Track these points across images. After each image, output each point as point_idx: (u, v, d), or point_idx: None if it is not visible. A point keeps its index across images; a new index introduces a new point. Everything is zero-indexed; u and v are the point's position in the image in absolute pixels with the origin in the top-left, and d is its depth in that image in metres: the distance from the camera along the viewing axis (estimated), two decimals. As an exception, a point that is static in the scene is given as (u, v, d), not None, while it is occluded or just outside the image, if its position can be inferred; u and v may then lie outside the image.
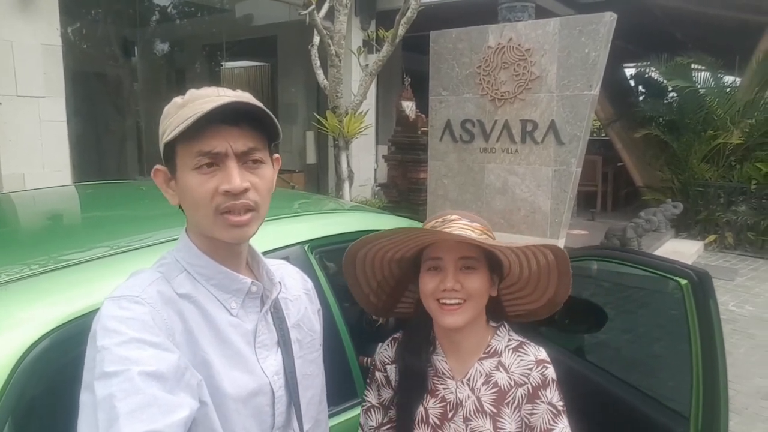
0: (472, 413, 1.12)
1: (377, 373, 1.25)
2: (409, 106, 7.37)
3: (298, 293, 1.09)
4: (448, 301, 1.10)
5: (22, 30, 4.49)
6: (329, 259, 1.57)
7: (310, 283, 1.15)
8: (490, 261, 1.15)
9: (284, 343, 0.99)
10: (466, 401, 1.13)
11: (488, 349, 1.16)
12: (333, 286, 1.53)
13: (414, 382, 1.17)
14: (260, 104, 0.87)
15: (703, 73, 8.88)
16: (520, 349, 1.15)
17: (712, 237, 8.23)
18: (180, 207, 0.93)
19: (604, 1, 7.69)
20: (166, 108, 0.91)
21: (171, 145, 0.87)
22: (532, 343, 1.17)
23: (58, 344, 0.98)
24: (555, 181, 4.89)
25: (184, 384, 0.80)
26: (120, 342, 0.77)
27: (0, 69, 4.42)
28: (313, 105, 8.69)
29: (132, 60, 9.44)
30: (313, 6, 4.40)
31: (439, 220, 1.17)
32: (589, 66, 4.56)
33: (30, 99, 4.61)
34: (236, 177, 0.85)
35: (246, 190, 0.87)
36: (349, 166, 5.11)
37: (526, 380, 1.12)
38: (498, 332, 1.18)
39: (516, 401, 1.11)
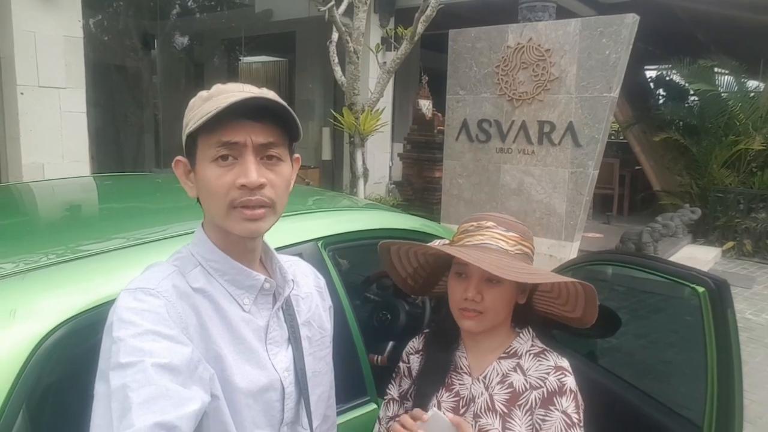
0: (482, 410, 1.13)
1: (401, 365, 1.30)
2: (425, 105, 7.35)
3: (310, 290, 1.09)
4: (468, 308, 1.13)
5: (44, 21, 4.55)
6: (342, 256, 1.57)
7: (322, 281, 1.15)
8: None
9: (295, 339, 1.00)
10: (478, 398, 1.15)
11: (509, 349, 1.17)
12: (346, 283, 1.53)
13: (434, 374, 1.21)
14: (284, 102, 0.88)
15: (726, 77, 8.73)
16: (542, 355, 1.15)
17: (730, 244, 8.10)
18: (197, 200, 0.94)
19: (627, 2, 7.60)
20: (192, 101, 0.91)
21: (193, 137, 0.88)
22: (555, 352, 1.16)
23: (72, 334, 0.99)
24: (571, 183, 4.85)
25: (197, 377, 0.81)
26: (135, 333, 0.79)
27: (22, 60, 4.48)
28: (330, 101, 8.70)
29: (152, 53, 9.53)
30: (333, 2, 4.40)
31: (474, 224, 1.17)
32: (609, 68, 4.52)
33: (51, 90, 4.67)
34: (253, 171, 0.86)
35: (262, 186, 0.87)
36: (364, 163, 5.11)
37: (542, 384, 1.11)
38: (521, 335, 1.19)
39: (529, 404, 1.11)
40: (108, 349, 0.80)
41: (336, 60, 5.04)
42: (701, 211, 7.98)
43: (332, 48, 5.07)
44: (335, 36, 5.03)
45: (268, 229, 0.92)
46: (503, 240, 1.13)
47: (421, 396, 1.20)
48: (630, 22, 4.42)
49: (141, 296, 0.84)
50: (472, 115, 5.35)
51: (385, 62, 5.16)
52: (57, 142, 4.76)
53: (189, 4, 9.36)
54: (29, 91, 4.55)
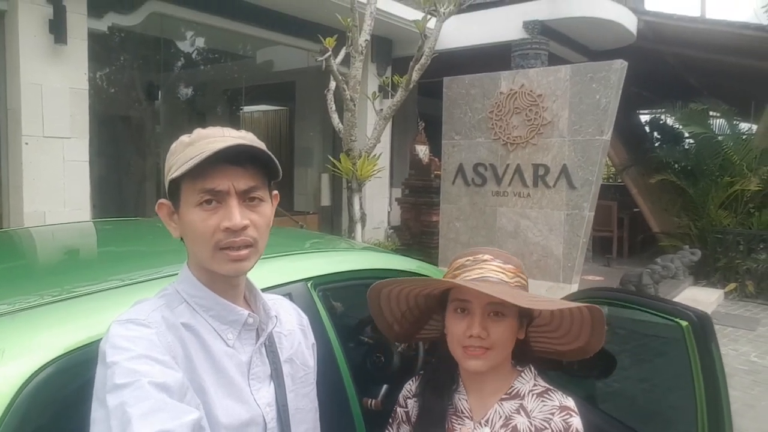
0: None
1: (398, 410, 1.26)
2: (422, 150, 7.48)
3: (293, 328, 1.11)
4: (473, 345, 1.08)
5: (52, 74, 4.70)
6: (333, 296, 1.58)
7: (305, 319, 1.17)
8: (521, 307, 1.10)
9: (277, 376, 1.01)
10: None
11: (510, 390, 1.13)
12: (335, 323, 1.54)
13: (432, 418, 1.15)
14: (263, 146, 0.92)
15: (718, 120, 8.90)
16: (546, 395, 1.11)
17: (732, 285, 8.06)
18: (181, 239, 0.97)
19: (617, 49, 7.84)
20: (173, 145, 0.95)
21: (176, 182, 0.92)
22: (559, 391, 1.12)
23: (59, 373, 0.99)
24: (567, 225, 4.88)
25: (186, 402, 0.83)
26: (129, 357, 0.81)
27: (28, 111, 4.61)
28: (328, 148, 8.86)
29: (155, 103, 9.77)
30: (330, 53, 4.55)
31: (470, 258, 1.14)
32: (600, 112, 4.63)
33: (55, 139, 4.78)
34: (237, 215, 0.89)
35: (245, 227, 0.90)
36: (361, 208, 5.16)
37: (547, 425, 1.06)
38: (523, 375, 1.14)
39: None
40: (103, 376, 0.82)
41: (333, 107, 5.17)
42: (701, 252, 7.98)
43: (330, 96, 5.21)
44: (332, 85, 5.18)
45: (252, 267, 0.95)
46: (503, 273, 1.10)
47: None
48: (618, 67, 4.56)
49: (132, 326, 0.86)
50: (468, 159, 5.44)
51: (381, 109, 5.29)
52: (59, 190, 4.84)
53: (193, 56, 9.65)
54: (34, 141, 4.65)
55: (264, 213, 0.94)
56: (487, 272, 1.10)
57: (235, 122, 10.71)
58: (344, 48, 4.99)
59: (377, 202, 7.70)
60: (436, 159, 7.43)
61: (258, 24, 6.68)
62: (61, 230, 2.14)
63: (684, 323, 1.25)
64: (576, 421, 1.06)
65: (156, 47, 8.27)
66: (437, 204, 6.45)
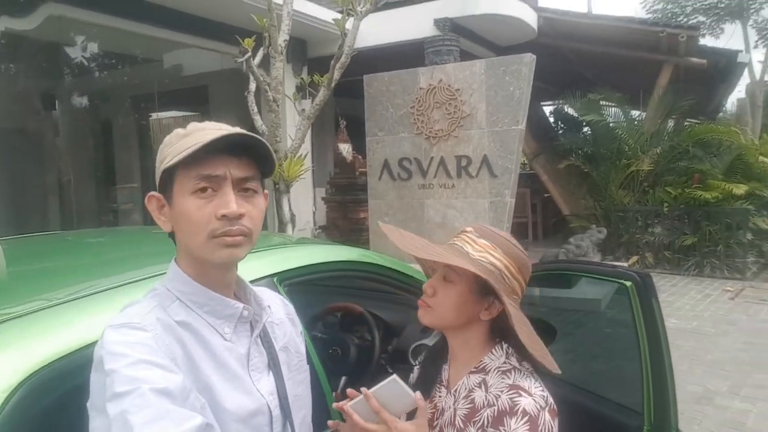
0: (446, 424, 1.14)
1: (411, 375, 1.34)
2: (345, 148, 7.53)
3: (282, 317, 1.13)
4: (422, 299, 1.18)
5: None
6: (298, 290, 1.61)
7: (291, 307, 1.19)
8: (482, 284, 1.10)
9: (274, 365, 1.02)
10: (446, 411, 1.16)
11: (480, 365, 1.14)
12: (302, 317, 1.56)
13: (422, 385, 1.23)
14: (262, 139, 0.94)
15: (613, 109, 9.65)
16: (508, 373, 1.10)
17: (634, 258, 8.77)
18: (170, 235, 0.97)
19: (521, 44, 8.28)
20: (167, 138, 0.95)
21: (170, 172, 0.91)
22: (526, 372, 1.09)
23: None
24: (491, 212, 5.12)
25: (189, 405, 0.82)
26: (128, 364, 0.79)
27: None
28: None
29: (53, 114, 9.13)
30: (249, 54, 4.49)
31: (459, 232, 1.21)
32: (514, 103, 4.89)
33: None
34: (233, 202, 0.90)
35: (241, 216, 0.91)
36: (290, 209, 5.14)
37: (495, 401, 1.05)
38: (493, 351, 1.14)
39: (482, 422, 1.06)
40: (100, 385, 0.80)
41: (255, 109, 5.10)
42: (607, 230, 8.62)
43: (250, 98, 5.13)
44: (252, 86, 5.10)
45: (244, 256, 0.96)
46: (470, 244, 1.14)
47: None
48: (528, 60, 4.84)
49: (127, 331, 0.85)
50: (393, 154, 5.56)
51: (303, 109, 5.28)
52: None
53: (96, 61, 9.07)
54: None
55: (259, 205, 0.95)
56: (459, 241, 1.16)
57: (143, 130, 10.22)
58: (261, 49, 4.93)
59: (302, 203, 7.66)
60: (360, 156, 7.52)
61: (167, 26, 6.43)
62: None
63: (628, 283, 1.40)
64: (525, 402, 1.02)
65: (55, 53, 7.73)
66: (364, 201, 6.53)
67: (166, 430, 0.74)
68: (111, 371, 0.79)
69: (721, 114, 13.47)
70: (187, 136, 0.92)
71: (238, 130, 0.94)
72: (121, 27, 6.12)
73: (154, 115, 10.41)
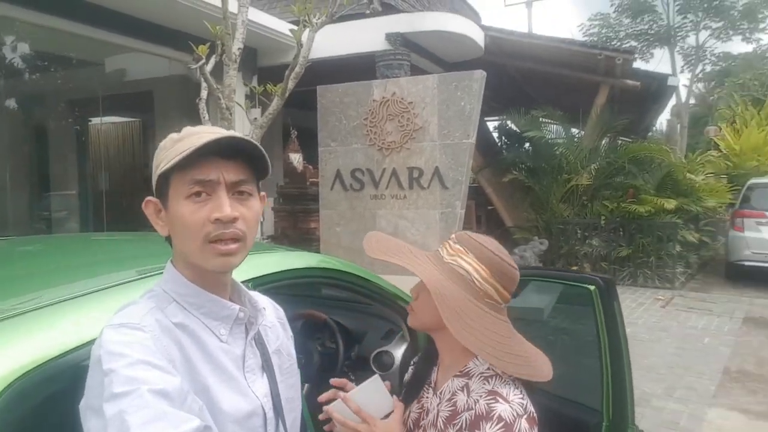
0: (429, 424, 1.18)
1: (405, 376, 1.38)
2: (296, 158, 7.50)
3: (273, 321, 1.14)
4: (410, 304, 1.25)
5: None
6: (272, 296, 1.61)
7: (281, 311, 1.21)
8: None
9: (268, 368, 1.04)
10: (431, 412, 1.19)
11: (464, 369, 1.17)
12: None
13: (412, 385, 1.28)
14: (255, 141, 0.96)
15: (555, 126, 10.09)
16: (489, 379, 1.13)
17: (573, 268, 9.14)
18: (166, 239, 0.97)
19: (468, 61, 8.53)
20: (162, 143, 0.95)
21: (165, 176, 0.92)
22: (507, 380, 1.12)
23: None
24: (442, 222, 5.23)
25: (187, 407, 0.83)
26: (127, 364, 0.79)
27: None
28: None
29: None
30: (203, 60, 4.43)
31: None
32: (465, 117, 5.03)
33: None
34: (227, 206, 0.91)
35: (235, 220, 0.92)
36: (242, 217, 5.07)
37: (474, 406, 1.09)
38: (478, 357, 1.16)
39: (460, 425, 1.09)
40: (98, 384, 0.80)
41: (207, 117, 5.02)
42: (548, 241, 8.96)
43: (202, 105, 5.04)
44: (204, 94, 5.02)
45: (240, 263, 0.97)
46: (446, 249, 1.19)
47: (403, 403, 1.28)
48: (479, 77, 5.00)
49: (126, 331, 0.85)
50: (345, 165, 5.59)
51: (255, 118, 5.24)
52: None
53: (24, 63, 8.63)
54: None
55: (253, 208, 0.96)
56: (441, 247, 1.22)
57: (81, 135, 9.81)
58: (214, 57, 4.87)
59: (250, 212, 7.56)
60: (310, 167, 7.50)
61: (110, 29, 6.22)
62: None
63: (592, 287, 1.49)
64: (501, 408, 1.04)
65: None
66: (314, 211, 6.51)
67: (165, 430, 0.74)
68: (109, 371, 0.79)
69: (651, 133, 14.31)
70: (181, 141, 0.92)
71: (231, 133, 0.95)
72: (60, 27, 5.88)
73: (95, 120, 10.01)
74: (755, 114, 15.33)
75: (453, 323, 1.06)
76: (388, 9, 8.23)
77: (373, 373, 2.24)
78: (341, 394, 1.21)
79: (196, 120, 5.06)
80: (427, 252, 1.23)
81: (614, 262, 8.93)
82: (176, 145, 0.92)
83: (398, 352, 2.21)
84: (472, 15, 11.92)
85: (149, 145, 9.71)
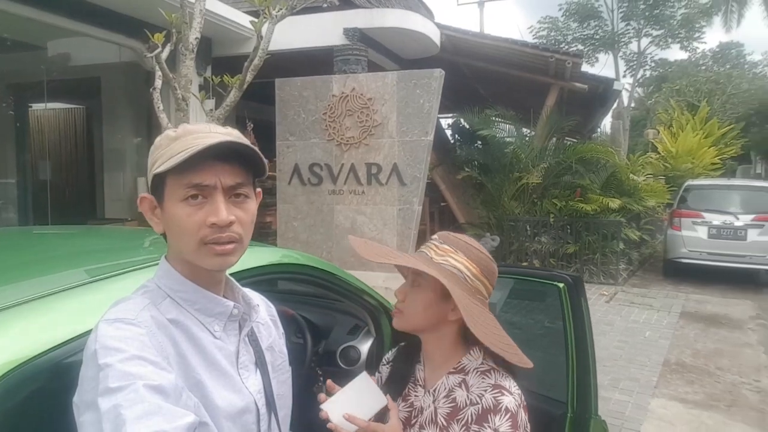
0: (426, 422, 1.19)
1: (377, 374, 1.37)
2: (251, 151, 7.36)
3: (265, 318, 1.15)
4: (396, 306, 1.25)
5: None
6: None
7: (273, 309, 1.21)
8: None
9: (261, 364, 1.05)
10: (426, 410, 1.21)
11: (458, 365, 1.20)
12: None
13: (394, 384, 1.28)
14: (250, 144, 0.95)
15: (508, 125, 10.33)
16: (487, 373, 1.17)
17: (524, 265, 9.41)
18: (162, 235, 0.96)
19: (424, 59, 8.61)
20: (158, 140, 0.94)
21: (160, 176, 0.91)
22: (504, 373, 1.17)
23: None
24: (400, 219, 5.28)
25: (183, 404, 0.83)
26: (122, 359, 0.79)
27: None
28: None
29: None
30: (160, 49, 4.30)
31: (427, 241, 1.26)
32: (424, 115, 5.10)
33: None
34: (223, 210, 0.91)
35: (231, 223, 0.92)
36: (197, 211, 4.96)
37: (479, 400, 1.12)
38: (471, 353, 1.20)
39: (465, 419, 1.12)
40: (92, 378, 0.79)
41: (161, 107, 4.87)
42: (499, 238, 9.17)
43: (156, 95, 4.89)
44: (158, 83, 4.88)
45: (236, 262, 0.97)
46: (433, 249, 1.21)
47: None
48: (438, 75, 5.08)
49: (122, 326, 0.85)
50: (303, 159, 5.56)
51: (211, 110, 5.13)
52: None
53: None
54: None
55: (249, 209, 0.96)
56: (425, 249, 1.24)
57: (20, 121, 9.30)
58: (169, 45, 4.73)
59: (203, 206, 7.38)
60: (267, 160, 7.39)
61: (56, 11, 5.94)
62: None
63: (561, 284, 1.55)
64: (507, 400, 1.09)
65: None
66: (271, 205, 6.44)
67: (159, 426, 0.74)
68: (105, 365, 0.78)
69: (596, 134, 14.88)
70: (177, 140, 0.92)
71: (227, 132, 0.95)
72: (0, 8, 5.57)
73: (35, 106, 9.53)
74: (690, 119, 16.20)
75: (473, 324, 1.10)
76: (346, 4, 8.20)
77: (340, 367, 2.26)
78: (324, 404, 1.18)
79: (145, 108, 4.90)
80: (413, 254, 1.25)
81: (562, 259, 9.24)
82: (172, 144, 0.91)
83: (364, 347, 2.24)
84: (427, 13, 12.01)
85: (94, 132, 9.33)
